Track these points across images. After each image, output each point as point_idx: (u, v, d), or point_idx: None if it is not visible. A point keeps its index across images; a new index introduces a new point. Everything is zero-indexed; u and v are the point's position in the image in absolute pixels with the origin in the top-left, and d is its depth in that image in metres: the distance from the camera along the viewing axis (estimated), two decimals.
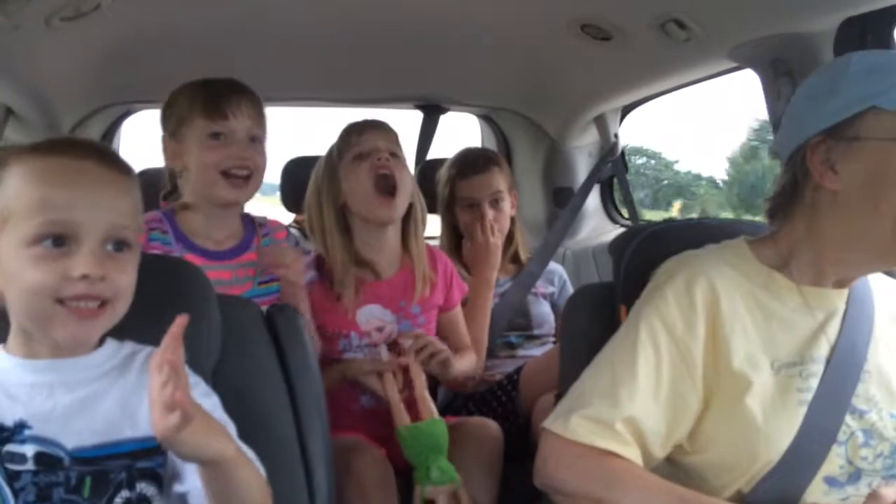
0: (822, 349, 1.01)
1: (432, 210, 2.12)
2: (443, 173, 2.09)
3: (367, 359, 1.58)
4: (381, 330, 1.63)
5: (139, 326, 0.90)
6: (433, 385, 1.74)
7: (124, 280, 0.86)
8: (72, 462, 0.84)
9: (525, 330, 2.04)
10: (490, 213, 1.98)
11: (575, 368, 1.06)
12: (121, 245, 0.86)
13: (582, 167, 2.60)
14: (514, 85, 2.40)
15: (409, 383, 1.52)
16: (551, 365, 1.48)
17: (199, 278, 1.06)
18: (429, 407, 1.47)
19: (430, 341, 1.56)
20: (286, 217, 2.41)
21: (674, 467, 1.02)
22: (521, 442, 1.61)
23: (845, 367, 1.00)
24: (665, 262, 1.08)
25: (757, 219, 1.29)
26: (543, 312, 2.07)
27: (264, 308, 1.17)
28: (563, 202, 2.54)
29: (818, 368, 0.99)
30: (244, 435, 0.91)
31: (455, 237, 2.07)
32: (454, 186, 2.03)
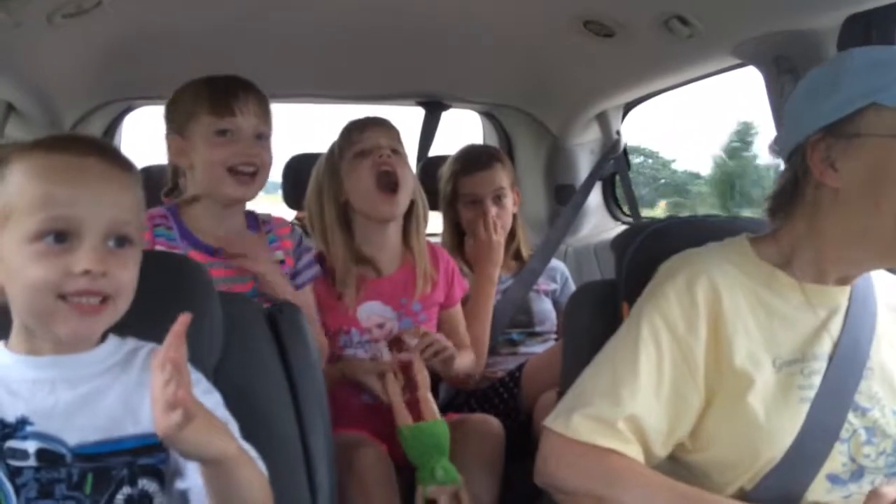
0: (825, 346, 1.01)
1: (434, 207, 2.12)
2: (445, 170, 2.08)
3: (369, 359, 1.58)
4: (382, 326, 1.63)
5: (141, 323, 0.90)
6: (435, 382, 1.74)
7: (126, 276, 0.86)
8: (73, 458, 0.84)
9: (527, 327, 2.04)
10: (493, 210, 1.98)
11: (577, 366, 1.06)
12: (123, 241, 0.86)
13: (584, 164, 2.60)
14: (517, 82, 2.39)
15: (412, 382, 1.52)
16: (553, 362, 1.48)
17: (201, 275, 1.06)
18: (431, 408, 1.47)
19: (436, 339, 1.56)
20: (288, 215, 2.41)
21: (676, 465, 1.02)
22: (523, 439, 1.61)
23: (848, 364, 1.00)
24: (667, 260, 1.08)
25: (748, 214, 1.28)
26: (545, 309, 2.07)
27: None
28: (564, 199, 2.54)
29: (821, 366, 0.99)
30: (246, 433, 0.91)
31: (457, 234, 2.07)
32: (457, 183, 2.03)
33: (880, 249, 0.98)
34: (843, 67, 0.98)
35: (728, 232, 1.12)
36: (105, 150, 0.89)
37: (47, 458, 0.83)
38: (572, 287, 2.13)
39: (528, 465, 1.04)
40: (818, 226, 1.00)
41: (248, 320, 1.11)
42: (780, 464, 0.95)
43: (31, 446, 0.83)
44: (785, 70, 1.51)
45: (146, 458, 0.86)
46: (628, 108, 2.51)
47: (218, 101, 1.37)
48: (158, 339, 0.77)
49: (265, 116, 1.42)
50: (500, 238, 1.95)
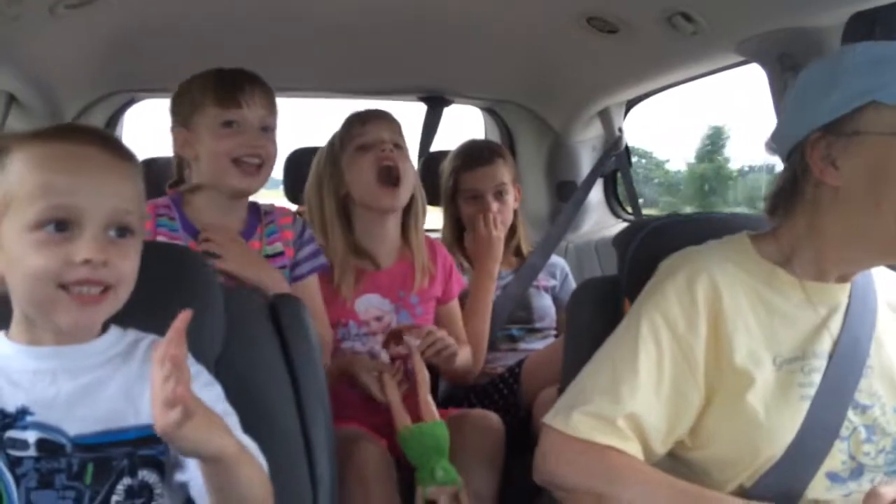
0: (825, 344, 1.00)
1: (435, 202, 2.12)
2: (446, 165, 2.08)
3: (368, 357, 1.58)
4: (380, 319, 1.64)
5: (143, 314, 0.90)
6: (434, 377, 1.74)
7: (127, 266, 0.86)
8: (74, 449, 0.84)
9: (527, 323, 2.03)
10: (494, 206, 1.97)
11: (578, 362, 1.06)
12: (123, 231, 0.86)
13: (586, 161, 2.59)
14: (519, 77, 2.39)
15: (409, 378, 1.52)
16: (553, 358, 1.48)
17: (203, 267, 1.06)
18: (431, 409, 1.47)
19: (439, 337, 1.56)
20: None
21: (676, 462, 1.02)
22: (523, 435, 1.62)
23: (848, 362, 1.00)
24: (667, 258, 1.08)
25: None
26: (545, 306, 2.07)
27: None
28: (566, 196, 2.54)
29: (820, 363, 0.99)
30: (247, 425, 0.91)
31: (458, 229, 2.07)
32: (458, 178, 2.03)
33: (881, 247, 0.98)
34: (840, 65, 0.98)
35: (730, 229, 1.11)
36: (106, 140, 0.89)
37: (47, 448, 0.83)
38: (572, 283, 2.13)
39: (528, 461, 1.04)
40: (818, 224, 1.00)
41: (250, 313, 1.11)
42: (780, 461, 0.95)
43: (31, 436, 0.83)
44: (788, 67, 1.51)
45: (146, 449, 0.86)
46: (630, 105, 2.50)
47: (224, 92, 1.36)
48: (160, 330, 0.77)
49: (271, 109, 1.42)
50: (499, 234, 1.95)
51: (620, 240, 1.27)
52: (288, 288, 1.41)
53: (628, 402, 0.97)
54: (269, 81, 1.43)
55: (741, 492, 0.96)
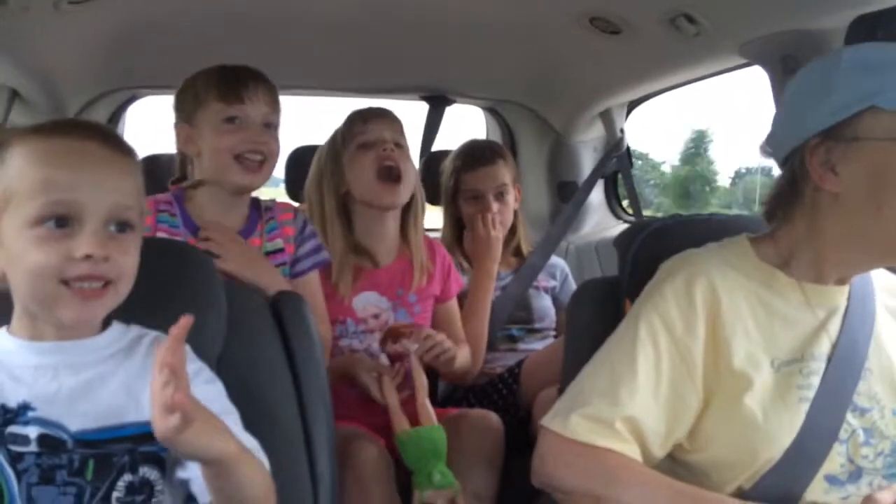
0: (824, 347, 1.00)
1: (437, 201, 2.12)
2: (447, 165, 2.08)
3: (368, 358, 1.58)
4: (378, 317, 1.64)
5: (146, 310, 0.90)
6: (433, 377, 1.75)
7: (127, 261, 0.86)
8: (75, 445, 0.84)
9: (526, 323, 2.03)
10: (494, 206, 1.97)
11: (579, 363, 1.06)
12: (123, 226, 0.86)
13: (587, 162, 2.60)
14: (521, 77, 2.39)
15: (407, 378, 1.52)
16: (553, 359, 1.49)
17: (206, 264, 1.06)
18: (429, 414, 1.47)
19: (438, 341, 1.56)
20: None
21: (675, 464, 1.02)
22: (522, 435, 1.62)
23: (847, 364, 1.00)
24: (666, 260, 1.08)
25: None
26: (545, 306, 2.07)
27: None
28: (567, 196, 2.54)
29: (819, 366, 0.99)
30: (248, 422, 0.91)
31: (458, 229, 2.07)
32: (459, 178, 2.03)
33: (882, 249, 0.98)
34: (835, 68, 0.97)
35: (731, 231, 1.11)
36: (106, 135, 0.89)
37: (48, 443, 0.83)
38: (572, 284, 2.13)
39: (527, 462, 1.04)
40: (817, 227, 1.00)
41: (252, 310, 1.11)
42: (778, 464, 0.95)
43: (32, 432, 0.83)
44: (791, 70, 1.50)
45: (147, 445, 0.86)
46: (632, 106, 2.50)
47: (227, 88, 1.36)
48: (163, 327, 0.77)
49: (274, 106, 1.41)
50: (497, 234, 1.95)
51: (622, 240, 1.27)
52: (287, 288, 1.41)
53: (627, 405, 0.96)
54: (272, 79, 1.43)
55: (740, 494, 0.96)
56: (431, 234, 1.84)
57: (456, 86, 2.58)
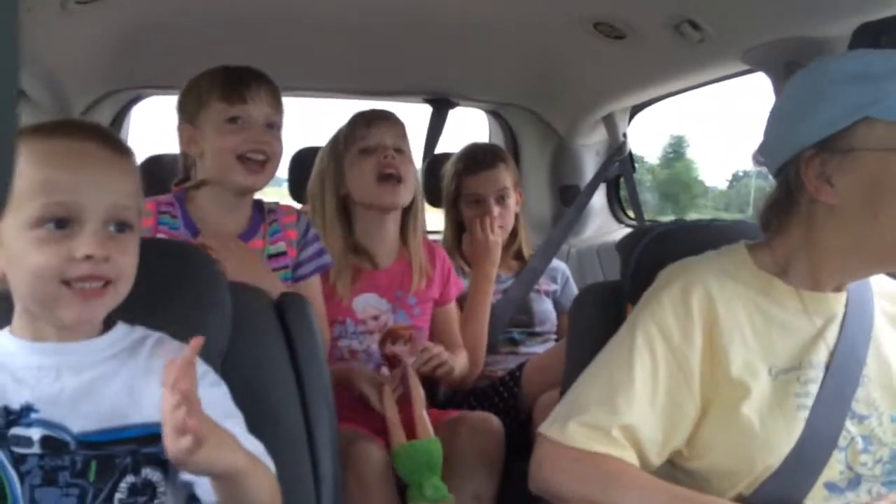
0: (822, 354, 1.00)
1: (440, 204, 2.13)
2: (449, 168, 2.08)
3: (370, 369, 1.58)
4: (377, 319, 1.64)
5: (149, 312, 0.90)
6: (434, 381, 1.75)
7: (127, 261, 0.86)
8: (77, 446, 0.84)
9: (527, 327, 2.04)
10: (495, 210, 1.98)
11: (580, 367, 1.06)
12: (122, 226, 0.86)
13: (589, 166, 2.60)
14: (524, 81, 2.39)
15: (407, 394, 1.52)
16: (554, 362, 1.49)
17: (210, 265, 1.06)
18: (426, 426, 1.47)
19: (435, 354, 1.56)
20: None
21: (675, 470, 1.02)
22: (523, 438, 1.61)
23: (845, 372, 1.00)
24: (664, 268, 1.08)
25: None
26: (546, 310, 2.07)
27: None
28: (569, 200, 2.54)
29: (817, 374, 0.99)
30: (252, 422, 0.91)
31: (459, 232, 2.07)
32: (460, 182, 2.02)
33: (879, 257, 0.98)
34: (824, 80, 0.97)
35: (732, 236, 1.11)
36: (105, 136, 0.89)
37: (51, 445, 0.83)
38: (573, 288, 2.13)
39: (527, 465, 1.04)
40: (814, 237, 1.00)
41: (256, 311, 1.11)
42: (777, 471, 0.95)
43: (35, 433, 0.83)
44: None
45: (150, 447, 0.86)
46: (635, 111, 2.51)
47: (230, 88, 1.36)
48: (168, 327, 0.77)
49: (277, 106, 1.41)
50: (496, 238, 1.95)
51: (624, 245, 1.27)
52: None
53: (624, 413, 0.96)
54: (275, 80, 1.44)
55: (740, 500, 0.97)
56: (433, 237, 1.85)
57: (459, 88, 2.58)
